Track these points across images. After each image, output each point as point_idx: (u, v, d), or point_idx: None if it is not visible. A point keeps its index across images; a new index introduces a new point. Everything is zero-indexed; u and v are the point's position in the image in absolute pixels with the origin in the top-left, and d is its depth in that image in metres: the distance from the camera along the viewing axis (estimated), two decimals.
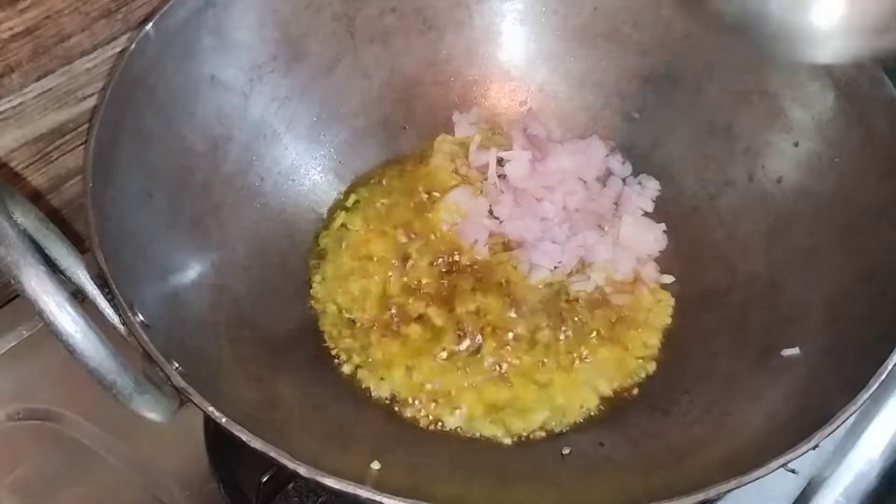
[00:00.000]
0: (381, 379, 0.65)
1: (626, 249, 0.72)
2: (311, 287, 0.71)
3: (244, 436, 0.46)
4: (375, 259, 0.72)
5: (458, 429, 0.64)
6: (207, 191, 0.67)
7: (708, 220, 0.72)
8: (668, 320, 0.69)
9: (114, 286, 0.49)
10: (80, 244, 0.52)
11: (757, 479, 0.46)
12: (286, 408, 0.59)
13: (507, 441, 0.63)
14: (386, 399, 0.65)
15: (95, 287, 0.50)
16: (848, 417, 0.48)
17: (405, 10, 0.76)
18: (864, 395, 0.49)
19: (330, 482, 0.45)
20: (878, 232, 0.60)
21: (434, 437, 0.63)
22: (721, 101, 0.72)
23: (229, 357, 0.60)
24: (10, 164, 0.69)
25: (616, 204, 0.75)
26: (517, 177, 0.75)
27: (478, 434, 0.63)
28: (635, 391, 0.66)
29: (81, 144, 0.72)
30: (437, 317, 0.68)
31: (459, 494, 0.55)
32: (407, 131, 0.79)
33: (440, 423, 0.64)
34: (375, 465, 0.55)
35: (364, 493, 0.45)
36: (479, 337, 0.67)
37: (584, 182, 0.76)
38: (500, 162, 0.76)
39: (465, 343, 0.67)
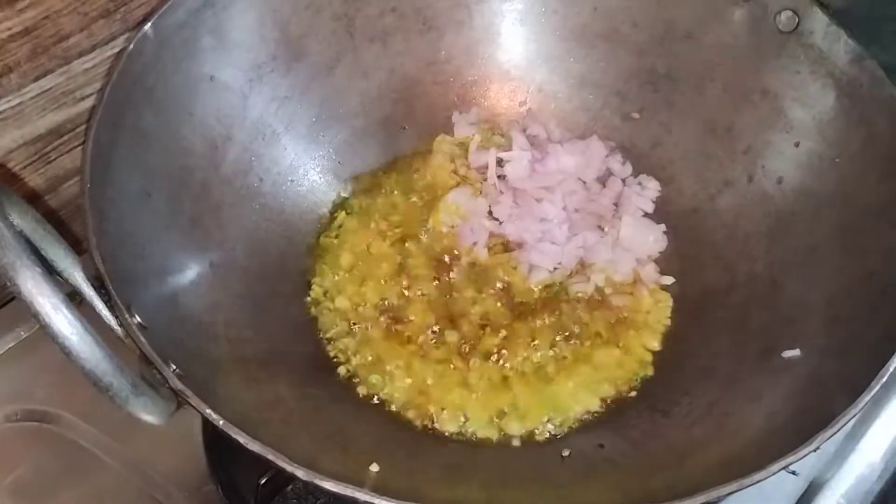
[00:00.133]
0: (380, 380, 0.65)
1: (626, 250, 0.72)
2: (309, 288, 0.71)
3: (242, 438, 0.46)
4: (374, 260, 0.71)
5: (457, 431, 0.63)
6: (206, 191, 0.66)
7: (708, 221, 0.72)
8: (668, 321, 0.69)
9: (111, 288, 0.49)
10: (77, 245, 0.52)
11: (758, 481, 0.46)
12: (284, 409, 0.59)
13: (507, 443, 0.63)
14: (385, 401, 0.65)
15: (92, 289, 0.50)
16: (849, 419, 0.48)
17: (405, 10, 0.76)
18: (866, 397, 0.49)
19: (328, 485, 0.45)
20: (879, 232, 0.59)
21: (433, 438, 0.63)
22: (721, 102, 0.72)
23: (227, 358, 0.59)
24: (8, 164, 0.69)
25: (616, 204, 0.75)
26: (517, 177, 0.75)
27: (477, 436, 0.63)
28: (635, 392, 0.66)
29: (80, 145, 0.72)
30: (435, 318, 0.68)
31: (458, 497, 0.55)
32: (406, 131, 0.79)
33: (439, 425, 0.63)
34: (374, 468, 0.54)
35: (363, 495, 0.45)
36: (478, 338, 0.67)
37: (584, 182, 0.76)
38: (500, 162, 0.76)
39: (464, 344, 0.67)
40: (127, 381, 0.44)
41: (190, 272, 0.62)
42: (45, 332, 0.41)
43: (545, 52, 0.79)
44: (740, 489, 0.46)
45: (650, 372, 0.67)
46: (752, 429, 0.56)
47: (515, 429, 0.63)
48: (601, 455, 0.61)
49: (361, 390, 0.65)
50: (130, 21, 0.68)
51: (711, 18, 0.71)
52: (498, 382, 0.65)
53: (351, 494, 0.45)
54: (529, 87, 0.80)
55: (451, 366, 0.66)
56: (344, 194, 0.76)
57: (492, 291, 0.70)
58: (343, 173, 0.77)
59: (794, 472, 0.64)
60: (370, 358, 0.66)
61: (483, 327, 0.68)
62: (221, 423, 0.46)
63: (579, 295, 0.70)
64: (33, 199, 0.72)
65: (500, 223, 0.73)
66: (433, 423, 0.64)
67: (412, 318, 0.68)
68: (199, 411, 0.47)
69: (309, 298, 0.70)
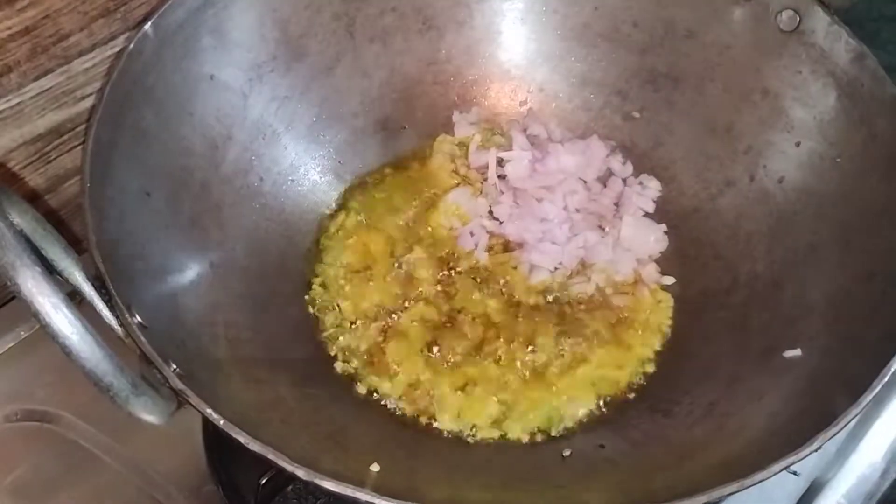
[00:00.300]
0: (380, 380, 0.65)
1: (627, 250, 0.72)
2: (310, 288, 0.71)
3: (243, 438, 0.46)
4: (375, 260, 0.71)
5: (458, 431, 0.63)
6: (206, 191, 0.66)
7: (709, 221, 0.72)
8: (669, 321, 0.69)
9: (111, 287, 0.49)
10: (77, 245, 0.51)
11: (759, 482, 0.46)
12: (285, 409, 0.59)
13: (508, 443, 0.63)
14: (385, 400, 0.65)
15: (93, 288, 0.50)
16: (851, 420, 0.48)
17: (405, 9, 0.76)
18: (867, 397, 0.49)
19: (329, 485, 0.45)
20: (880, 232, 0.59)
21: (433, 438, 0.63)
22: (722, 101, 0.72)
23: (227, 358, 0.59)
24: (8, 164, 0.69)
25: (616, 204, 0.75)
26: (517, 177, 0.75)
27: (477, 436, 0.63)
28: (636, 393, 0.66)
29: (80, 144, 0.72)
30: (436, 318, 0.68)
31: (459, 497, 0.55)
32: (407, 131, 0.79)
33: (439, 425, 0.63)
34: (375, 468, 0.54)
35: (363, 495, 0.45)
36: (478, 338, 0.67)
37: (585, 182, 0.76)
38: (500, 162, 0.76)
39: (465, 344, 0.67)
40: (127, 380, 0.43)
41: (190, 272, 0.62)
42: (45, 332, 0.41)
43: (546, 52, 0.79)
44: (741, 489, 0.46)
45: (651, 372, 0.66)
46: (753, 429, 0.56)
47: (516, 429, 0.63)
48: (602, 455, 0.61)
49: (361, 390, 0.65)
50: (130, 20, 0.68)
51: (712, 18, 0.71)
52: (498, 382, 0.65)
53: (352, 494, 0.45)
54: (530, 86, 0.80)
55: (452, 366, 0.66)
56: (344, 194, 0.76)
57: (492, 292, 0.70)
58: (343, 173, 0.76)
59: (795, 473, 0.64)
60: (370, 358, 0.66)
61: (483, 327, 0.68)
62: (222, 422, 0.46)
63: (580, 295, 0.70)
64: (33, 198, 0.72)
65: (501, 223, 0.73)
66: (433, 422, 0.64)
67: (412, 317, 0.68)
68: (199, 411, 0.47)
69: (309, 298, 0.70)
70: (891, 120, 0.61)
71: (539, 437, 0.63)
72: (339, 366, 0.66)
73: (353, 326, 0.68)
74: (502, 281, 0.70)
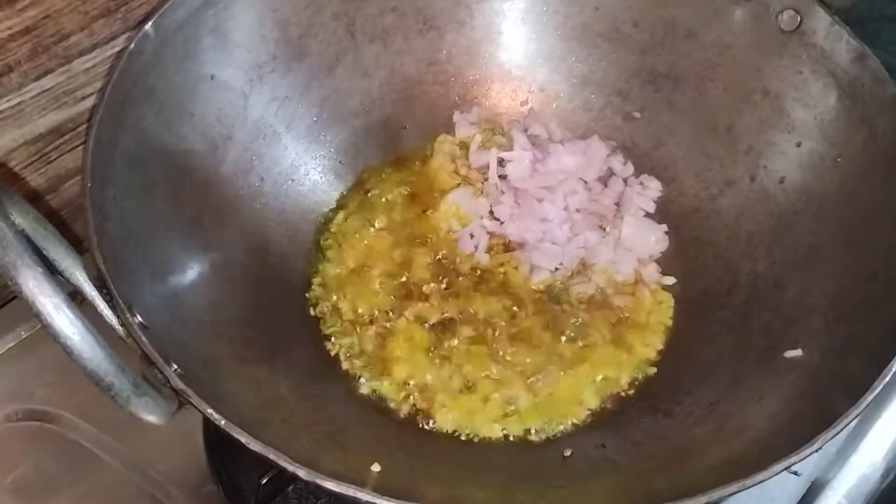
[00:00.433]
0: (381, 380, 0.65)
1: (628, 250, 0.72)
2: (310, 288, 0.71)
3: (243, 438, 0.46)
4: (375, 260, 0.71)
5: (459, 430, 0.63)
6: (207, 191, 0.66)
7: (710, 221, 0.72)
8: (670, 321, 0.69)
9: (112, 287, 0.49)
10: (78, 245, 0.51)
11: (760, 482, 0.46)
12: (285, 409, 0.59)
13: (509, 443, 0.63)
14: (386, 400, 0.65)
15: (94, 288, 0.50)
16: (851, 420, 0.48)
17: (405, 9, 0.76)
18: (868, 398, 0.49)
19: (330, 485, 0.45)
20: (881, 232, 0.59)
21: (434, 438, 0.63)
22: (723, 101, 0.72)
23: (228, 358, 0.59)
24: (9, 164, 0.69)
25: (617, 204, 0.75)
26: (518, 177, 0.75)
27: (478, 436, 0.63)
28: (636, 393, 0.66)
29: (80, 144, 0.72)
30: (436, 318, 0.68)
31: (460, 497, 0.55)
32: (407, 131, 0.79)
33: (440, 425, 0.63)
34: (376, 468, 0.54)
35: (364, 495, 0.45)
36: (479, 338, 0.67)
37: (585, 182, 0.76)
38: (501, 162, 0.76)
39: (465, 344, 0.67)
40: (128, 380, 0.43)
41: (191, 272, 0.62)
42: (46, 332, 0.41)
43: (546, 52, 0.79)
44: (742, 489, 0.46)
45: (651, 372, 0.66)
46: (753, 429, 0.56)
47: (517, 429, 0.63)
48: (603, 455, 0.61)
49: (362, 390, 0.65)
50: (131, 20, 0.68)
51: (713, 18, 0.71)
52: (499, 382, 0.65)
53: (353, 494, 0.45)
54: (531, 86, 0.80)
55: (452, 365, 0.66)
56: (345, 194, 0.76)
57: (492, 292, 0.70)
58: (344, 173, 0.77)
59: (796, 473, 0.64)
60: (371, 358, 0.66)
61: (484, 327, 0.68)
62: (223, 423, 0.46)
63: (580, 295, 0.70)
64: (34, 198, 0.72)
65: (502, 223, 0.73)
66: (434, 422, 0.64)
67: (412, 318, 0.68)
68: (200, 411, 0.47)
69: (309, 298, 0.70)
70: (891, 120, 0.60)
71: (540, 437, 0.63)
72: (339, 366, 0.66)
73: (354, 326, 0.68)
74: (503, 281, 0.70)
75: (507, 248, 0.72)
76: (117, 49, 0.69)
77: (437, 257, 0.72)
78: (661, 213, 0.74)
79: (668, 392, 0.64)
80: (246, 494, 0.64)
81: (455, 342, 0.67)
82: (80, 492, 0.64)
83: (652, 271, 0.72)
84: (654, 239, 0.73)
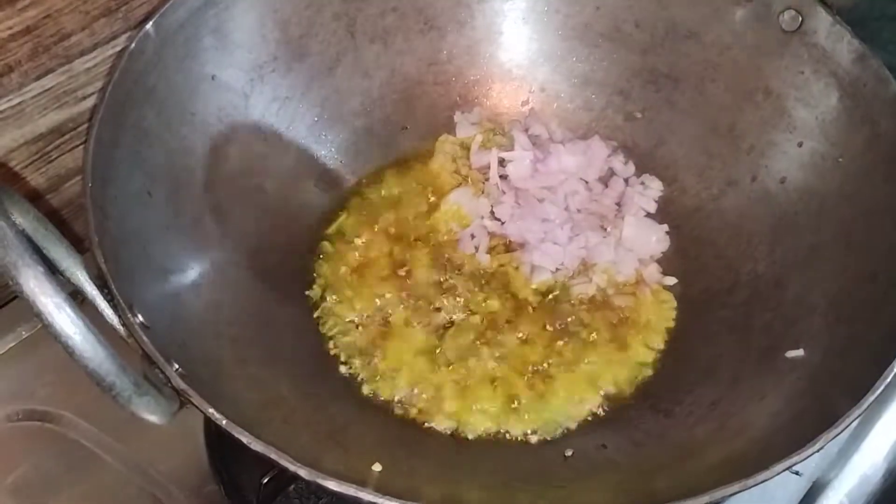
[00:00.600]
0: (382, 380, 0.65)
1: (629, 250, 0.72)
2: (311, 287, 0.71)
3: (245, 438, 0.46)
4: (375, 260, 0.71)
5: (459, 430, 0.63)
6: (208, 191, 0.66)
7: (711, 221, 0.72)
8: (671, 321, 0.69)
9: (113, 287, 0.49)
10: (79, 245, 0.51)
11: (762, 482, 0.46)
12: (286, 409, 0.59)
13: (509, 443, 0.63)
14: (387, 400, 0.65)
15: (95, 288, 0.50)
16: (853, 420, 0.48)
17: (406, 9, 0.76)
18: (870, 398, 0.49)
19: (331, 485, 0.45)
20: (883, 232, 0.59)
21: (435, 438, 0.63)
22: (724, 101, 0.72)
23: (230, 358, 0.59)
24: (10, 163, 0.69)
25: (618, 204, 0.75)
26: (519, 177, 0.75)
27: (479, 435, 0.63)
28: (637, 392, 0.65)
29: (81, 144, 0.72)
30: (437, 318, 0.68)
31: (461, 497, 0.55)
32: (408, 131, 0.79)
33: (440, 425, 0.63)
34: (377, 467, 0.54)
35: (366, 495, 0.45)
36: (479, 338, 0.67)
37: (586, 182, 0.76)
38: (502, 162, 0.76)
39: (465, 344, 0.67)
40: (130, 380, 0.43)
41: (192, 272, 0.62)
42: (47, 332, 0.41)
43: (547, 52, 0.79)
44: (743, 489, 0.46)
45: (652, 372, 0.66)
46: (754, 429, 0.56)
47: (517, 429, 0.63)
48: (603, 455, 0.61)
49: (363, 389, 0.65)
50: (132, 20, 0.68)
51: (714, 18, 0.71)
52: (499, 383, 0.65)
53: (354, 494, 0.45)
54: (531, 86, 0.80)
55: (453, 365, 0.66)
56: (345, 194, 0.76)
57: (493, 292, 0.70)
58: (345, 173, 0.76)
59: (797, 473, 0.64)
60: (371, 357, 0.66)
61: (484, 328, 0.68)
62: (224, 422, 0.46)
63: (581, 295, 0.70)
64: (35, 198, 0.72)
65: (502, 223, 0.73)
66: (434, 422, 0.63)
67: (413, 317, 0.68)
68: (201, 411, 0.47)
69: (310, 298, 0.70)
70: (893, 120, 0.60)
71: (540, 437, 0.63)
72: (340, 365, 0.66)
73: (354, 326, 0.68)
74: (503, 281, 0.70)
75: (508, 248, 0.72)
76: (118, 49, 0.69)
77: (438, 257, 0.72)
78: (663, 213, 0.74)
79: (668, 392, 0.64)
80: (247, 494, 0.64)
81: (455, 342, 0.67)
82: (80, 492, 0.64)
83: (653, 271, 0.72)
84: (656, 239, 0.73)
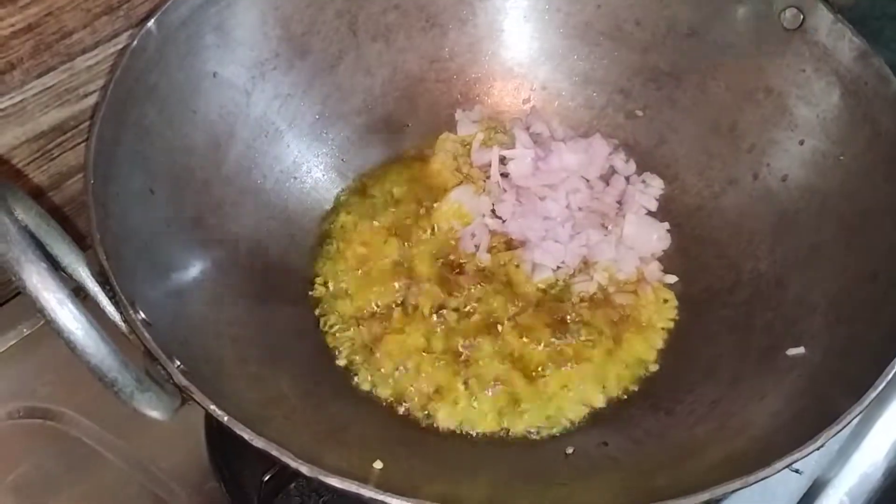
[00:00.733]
0: (383, 377, 0.65)
1: (630, 248, 0.72)
2: (312, 285, 0.71)
3: (247, 434, 0.46)
4: (376, 257, 0.71)
5: (460, 428, 0.63)
6: (209, 188, 0.66)
7: (712, 219, 0.72)
8: (672, 320, 0.69)
9: (115, 283, 0.49)
10: (81, 242, 0.51)
11: (762, 479, 0.46)
12: (287, 406, 0.59)
13: (510, 440, 0.63)
14: (388, 397, 0.65)
15: (97, 284, 0.50)
16: (853, 418, 0.48)
17: (408, 7, 0.76)
18: (870, 396, 0.49)
19: (333, 481, 0.45)
20: (884, 231, 0.59)
21: (436, 435, 0.63)
22: (725, 99, 0.72)
23: (231, 355, 0.59)
24: (12, 161, 0.69)
25: (619, 203, 0.75)
26: (520, 175, 0.75)
27: (480, 433, 0.63)
28: (638, 391, 0.66)
29: (83, 142, 0.72)
30: (438, 316, 0.68)
31: (462, 494, 0.55)
32: (409, 129, 0.79)
33: (441, 422, 0.63)
34: (378, 465, 0.54)
35: (367, 492, 0.45)
36: (480, 337, 0.67)
37: (587, 181, 0.76)
38: (503, 160, 0.76)
39: (467, 342, 0.67)
40: (132, 376, 0.44)
41: (193, 269, 0.62)
42: (50, 327, 0.41)
43: (549, 50, 0.79)
44: (744, 487, 0.46)
45: (653, 370, 0.66)
46: (755, 427, 0.56)
47: (518, 427, 0.63)
48: (604, 453, 0.61)
49: (364, 387, 0.65)
50: (134, 17, 0.68)
51: (715, 16, 0.71)
52: (501, 381, 0.65)
53: (355, 491, 0.45)
54: (533, 84, 0.80)
55: (454, 364, 0.66)
56: (347, 192, 0.76)
57: (494, 290, 0.70)
58: (346, 171, 0.77)
59: (797, 471, 0.64)
60: (372, 355, 0.66)
61: (485, 326, 0.68)
62: (226, 419, 0.46)
63: (582, 294, 0.70)
64: (37, 195, 0.72)
65: (503, 221, 0.73)
66: (435, 420, 0.64)
67: (414, 315, 0.68)
68: (203, 407, 0.47)
69: (311, 296, 0.70)
70: (894, 118, 0.60)
71: (541, 435, 0.63)
72: (340, 363, 0.66)
73: (355, 324, 0.68)
74: (505, 280, 0.70)
75: (509, 246, 0.72)
76: (120, 46, 0.69)
77: (439, 255, 0.72)
78: (664, 211, 0.74)
79: (669, 390, 0.64)
80: (248, 491, 0.64)
81: (456, 340, 0.67)
82: (81, 489, 0.64)
83: (654, 270, 0.72)
84: (657, 237, 0.73)
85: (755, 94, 0.70)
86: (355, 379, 0.66)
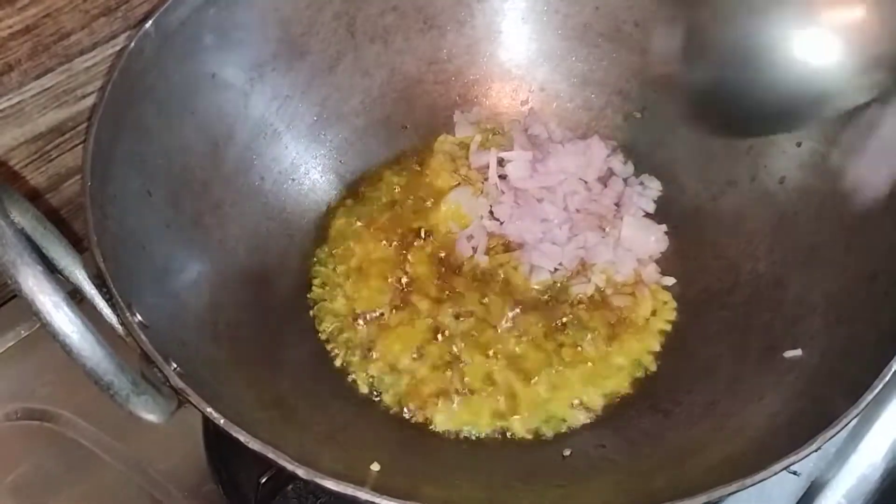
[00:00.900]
0: (381, 379, 0.65)
1: (627, 250, 0.72)
2: (310, 287, 0.71)
3: (243, 437, 0.46)
4: (375, 259, 0.71)
5: (458, 430, 0.63)
6: (207, 190, 0.66)
7: (710, 221, 0.72)
8: (670, 322, 0.69)
9: (112, 286, 0.49)
10: (78, 244, 0.51)
11: (760, 481, 0.46)
12: (285, 408, 0.59)
13: (508, 442, 0.63)
14: (385, 399, 0.65)
15: (93, 287, 0.50)
16: (851, 420, 0.48)
17: (406, 8, 0.76)
18: (868, 398, 0.49)
19: (329, 484, 0.45)
20: (882, 232, 0.59)
21: (433, 438, 0.63)
22: None
23: (228, 357, 0.59)
24: (9, 162, 0.69)
25: (617, 204, 0.75)
26: (518, 177, 0.75)
27: (477, 435, 0.63)
28: (636, 392, 0.65)
29: (81, 143, 0.72)
30: (436, 318, 0.68)
31: (459, 496, 0.55)
32: (407, 131, 0.79)
33: (439, 425, 0.63)
34: (375, 467, 0.54)
35: (364, 495, 0.44)
36: (478, 338, 0.67)
37: (585, 182, 0.76)
38: (501, 162, 0.76)
39: (464, 344, 0.67)
40: (128, 379, 0.43)
41: (191, 271, 0.62)
42: (45, 331, 0.41)
43: (547, 51, 0.79)
44: (742, 489, 0.46)
45: (651, 372, 0.66)
46: (753, 429, 0.56)
47: (516, 428, 0.63)
48: (602, 455, 0.61)
49: (361, 389, 0.65)
50: (132, 19, 0.68)
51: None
52: (499, 382, 0.65)
53: (352, 494, 0.45)
54: (531, 86, 0.80)
55: (452, 366, 0.66)
56: (345, 193, 0.76)
57: (492, 292, 0.70)
58: (344, 172, 0.77)
59: (795, 472, 0.64)
60: (369, 357, 0.66)
61: (483, 327, 0.68)
62: (223, 421, 0.46)
63: (580, 295, 0.70)
64: (34, 197, 0.72)
65: (501, 223, 0.73)
66: (433, 422, 0.63)
67: (412, 317, 0.68)
68: (200, 410, 0.47)
69: (309, 297, 0.70)
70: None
71: (539, 437, 0.63)
72: (338, 365, 0.66)
73: (353, 325, 0.68)
74: (502, 281, 0.70)
75: (507, 248, 0.72)
76: (118, 48, 0.69)
77: (437, 257, 0.72)
78: (662, 213, 0.74)
79: (667, 392, 0.64)
80: (246, 493, 0.64)
81: (454, 342, 0.67)
82: (79, 491, 0.64)
83: (652, 271, 0.72)
84: (654, 239, 0.73)
85: None
86: (353, 381, 0.66)
